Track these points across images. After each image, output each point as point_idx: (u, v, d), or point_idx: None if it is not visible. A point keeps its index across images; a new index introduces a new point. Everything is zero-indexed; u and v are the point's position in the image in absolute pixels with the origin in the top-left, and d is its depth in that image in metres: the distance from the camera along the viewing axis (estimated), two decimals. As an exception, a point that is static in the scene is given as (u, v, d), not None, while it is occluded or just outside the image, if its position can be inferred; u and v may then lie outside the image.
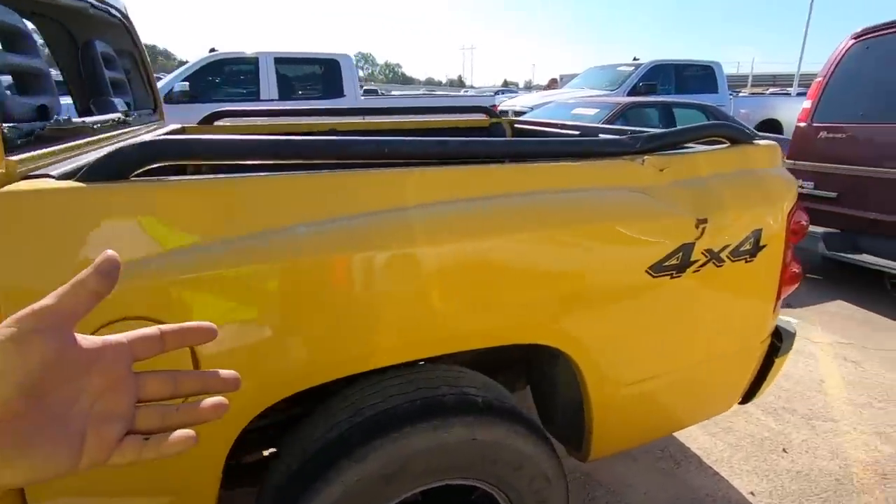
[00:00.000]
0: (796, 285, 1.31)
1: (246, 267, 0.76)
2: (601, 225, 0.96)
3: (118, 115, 1.42)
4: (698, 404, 1.28)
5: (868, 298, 3.39)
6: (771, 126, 8.13)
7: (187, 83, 5.11)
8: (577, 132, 2.02)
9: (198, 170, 1.69)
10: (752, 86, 31.77)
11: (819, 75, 3.66)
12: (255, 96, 5.45)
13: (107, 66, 1.60)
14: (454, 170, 0.91)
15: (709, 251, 1.06)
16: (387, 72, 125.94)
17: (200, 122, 2.03)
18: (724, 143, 1.25)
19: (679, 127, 1.20)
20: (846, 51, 3.48)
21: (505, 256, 0.90)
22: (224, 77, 5.53)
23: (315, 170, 0.84)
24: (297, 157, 0.83)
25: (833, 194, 3.45)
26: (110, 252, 0.35)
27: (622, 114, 4.61)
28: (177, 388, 0.38)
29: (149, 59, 1.88)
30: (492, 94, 16.62)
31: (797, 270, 1.30)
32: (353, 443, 0.91)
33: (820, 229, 3.51)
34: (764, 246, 1.15)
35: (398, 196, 0.85)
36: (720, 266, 1.09)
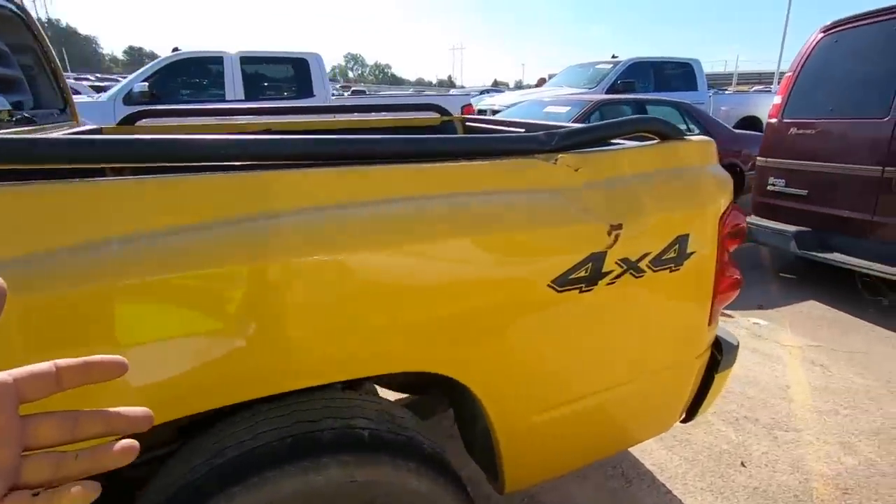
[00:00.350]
0: (736, 293, 1.20)
1: (37, 294, 0.63)
2: (493, 234, 0.84)
3: (-8, 114, 1.28)
4: (628, 427, 1.17)
5: (841, 298, 3.31)
6: (751, 123, 8.08)
7: (146, 84, 4.93)
8: (521, 129, 1.90)
9: (119, 172, 1.56)
10: (738, 83, 32.04)
11: (789, 70, 3.58)
12: (220, 97, 5.29)
13: (-6, 61, 1.46)
14: (318, 172, 0.79)
15: (625, 261, 0.94)
16: (377, 72, 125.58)
17: (119, 123, 1.90)
18: (655, 139, 1.14)
19: (602, 122, 1.09)
20: (815, 44, 3.40)
21: (375, 272, 0.77)
22: (188, 77, 5.35)
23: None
24: (118, 161, 0.70)
25: (804, 192, 3.38)
26: None
27: (593, 112, 4.50)
28: (75, 431, 0.33)
29: (55, 56, 1.74)
30: (476, 93, 16.57)
31: (736, 277, 1.19)
32: (206, 491, 0.78)
33: (792, 228, 3.42)
34: (692, 253, 1.04)
35: (239, 204, 0.72)
36: (640, 277, 0.97)
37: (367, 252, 0.76)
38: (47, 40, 1.70)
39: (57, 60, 1.76)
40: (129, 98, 4.92)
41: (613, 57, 7.89)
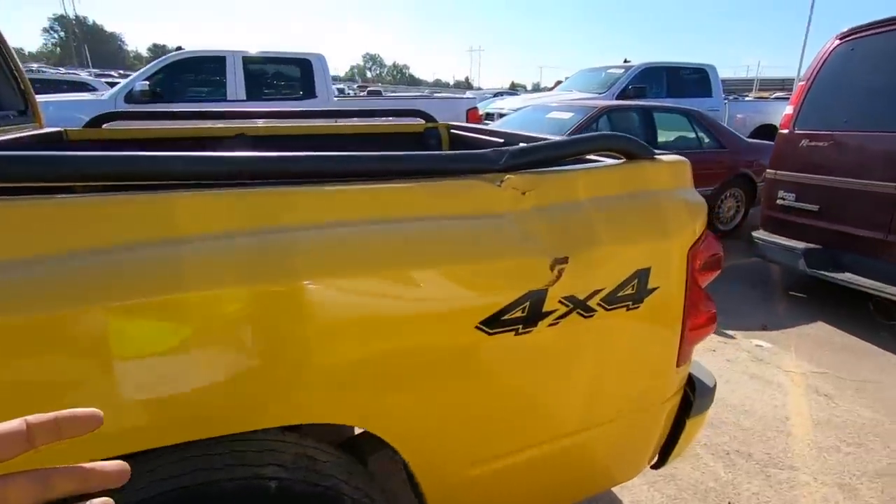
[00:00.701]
0: (711, 330, 1.08)
1: None
2: (412, 269, 0.74)
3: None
4: (585, 477, 1.05)
5: (851, 320, 3.12)
6: (768, 132, 7.83)
7: (147, 82, 4.93)
8: (500, 140, 1.79)
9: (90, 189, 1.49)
10: (760, 89, 31.33)
11: (802, 78, 3.41)
12: (222, 96, 5.26)
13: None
14: (211, 195, 0.69)
15: (570, 299, 0.83)
16: (395, 73, 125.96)
17: (86, 125, 1.83)
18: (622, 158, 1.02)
19: (562, 139, 0.98)
20: (830, 52, 3.22)
21: (268, 310, 0.68)
22: (190, 76, 5.34)
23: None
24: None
25: (815, 207, 3.20)
26: None
27: (599, 118, 4.35)
28: (47, 489, 0.30)
29: (15, 56, 1.68)
30: (491, 95, 16.53)
31: (711, 312, 1.06)
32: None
33: (801, 244, 3.25)
34: (655, 288, 0.93)
35: (107, 232, 0.63)
36: (589, 317, 0.86)
37: (263, 286, 0.67)
38: (5, 38, 1.65)
39: (17, 59, 1.71)
40: (130, 96, 4.92)
41: (626, 61, 7.71)
